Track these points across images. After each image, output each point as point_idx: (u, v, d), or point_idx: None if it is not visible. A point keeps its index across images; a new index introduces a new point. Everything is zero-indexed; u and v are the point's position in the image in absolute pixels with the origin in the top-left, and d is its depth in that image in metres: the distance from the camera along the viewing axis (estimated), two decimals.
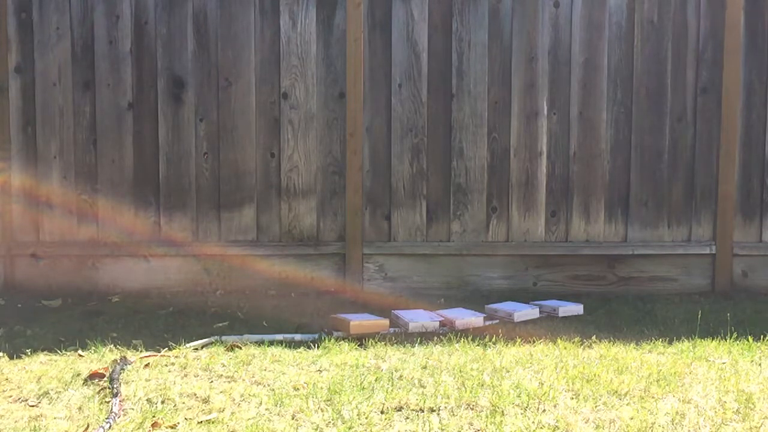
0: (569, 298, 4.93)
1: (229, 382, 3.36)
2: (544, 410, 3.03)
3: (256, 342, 3.92)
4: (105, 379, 3.33)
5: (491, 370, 3.50)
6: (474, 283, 5.13)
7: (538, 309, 4.61)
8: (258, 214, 5.09)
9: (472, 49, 5.07)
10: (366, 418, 2.95)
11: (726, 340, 4.04)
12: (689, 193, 5.19)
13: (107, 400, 3.12)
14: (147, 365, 3.56)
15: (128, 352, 3.75)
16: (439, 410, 3.03)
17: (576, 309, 4.66)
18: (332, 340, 3.96)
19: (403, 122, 5.09)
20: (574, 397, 3.18)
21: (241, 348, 3.81)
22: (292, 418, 2.96)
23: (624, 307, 4.82)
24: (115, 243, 5.03)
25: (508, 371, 3.48)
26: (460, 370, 3.48)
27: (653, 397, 3.18)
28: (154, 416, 2.96)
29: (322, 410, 3.02)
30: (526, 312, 4.54)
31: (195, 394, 3.18)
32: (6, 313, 4.54)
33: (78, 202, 5.03)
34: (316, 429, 2.88)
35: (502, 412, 3.00)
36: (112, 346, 3.83)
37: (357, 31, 5.01)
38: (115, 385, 3.21)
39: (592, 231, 5.17)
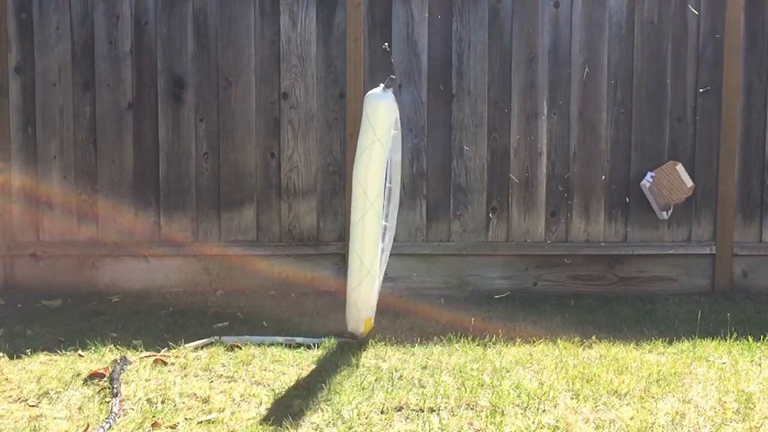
0: (569, 298, 4.93)
1: (229, 382, 3.36)
2: (544, 410, 3.03)
3: (256, 342, 3.92)
4: (105, 379, 3.33)
5: (491, 370, 3.50)
6: (474, 283, 5.13)
7: None
8: (258, 214, 5.09)
9: (472, 49, 5.07)
10: (366, 418, 2.95)
11: (726, 340, 4.04)
12: None
13: (107, 400, 3.12)
14: (147, 365, 3.56)
15: (128, 352, 3.76)
16: (439, 410, 3.04)
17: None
18: (332, 340, 3.96)
19: (403, 122, 5.08)
20: (574, 397, 3.18)
21: (241, 348, 3.81)
22: (292, 418, 2.96)
23: (624, 307, 4.81)
24: (115, 243, 5.03)
25: (508, 371, 3.49)
26: (460, 370, 3.48)
27: (653, 397, 3.18)
28: (154, 416, 2.96)
29: (322, 410, 3.03)
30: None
31: (195, 394, 3.18)
32: (6, 313, 4.54)
33: (78, 202, 5.03)
34: (316, 429, 2.88)
35: (502, 412, 3.01)
36: (112, 346, 3.83)
37: (357, 31, 5.01)
38: (115, 385, 3.21)
39: (592, 231, 5.17)
